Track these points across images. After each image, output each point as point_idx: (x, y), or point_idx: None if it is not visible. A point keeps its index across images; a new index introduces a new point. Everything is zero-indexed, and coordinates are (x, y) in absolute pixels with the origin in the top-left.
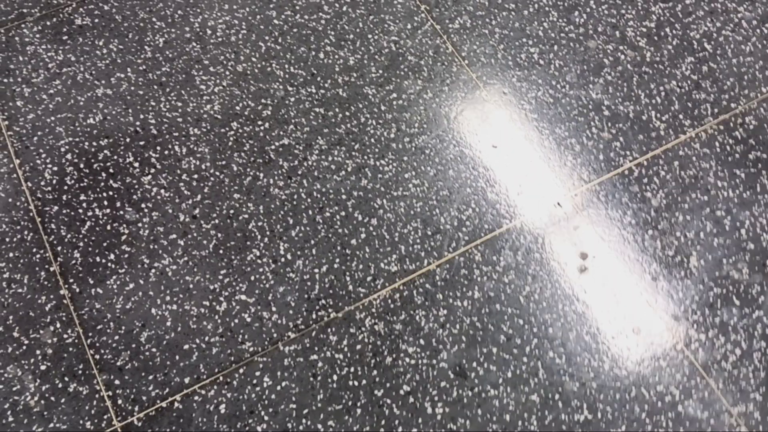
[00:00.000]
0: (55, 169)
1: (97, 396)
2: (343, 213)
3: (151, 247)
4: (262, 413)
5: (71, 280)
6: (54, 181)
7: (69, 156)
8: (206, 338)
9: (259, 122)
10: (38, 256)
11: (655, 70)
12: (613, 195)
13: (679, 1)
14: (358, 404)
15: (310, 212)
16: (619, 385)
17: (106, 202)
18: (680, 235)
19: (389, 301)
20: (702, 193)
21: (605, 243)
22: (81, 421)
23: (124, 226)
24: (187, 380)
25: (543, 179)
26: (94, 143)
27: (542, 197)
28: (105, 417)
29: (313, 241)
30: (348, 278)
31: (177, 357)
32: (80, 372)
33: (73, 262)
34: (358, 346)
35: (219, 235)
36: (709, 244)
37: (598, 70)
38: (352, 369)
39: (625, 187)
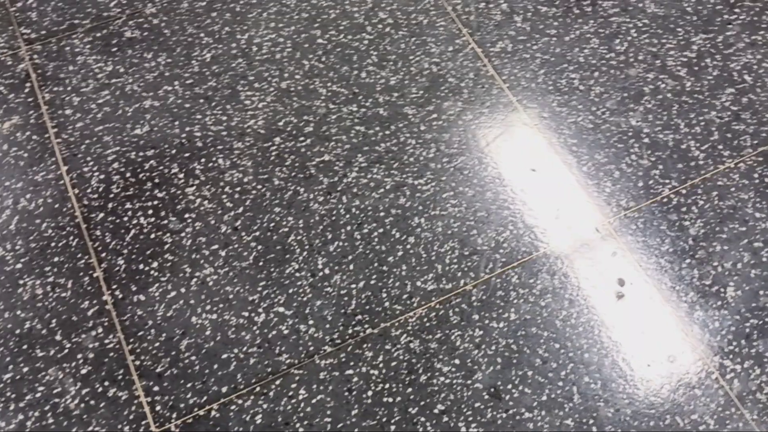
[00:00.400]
0: (102, 177)
1: (135, 401)
2: (381, 230)
3: (193, 256)
4: (297, 425)
5: (114, 287)
6: (100, 189)
7: (116, 165)
8: (244, 348)
9: (301, 138)
10: (82, 261)
11: (695, 99)
12: (651, 222)
13: (720, 33)
14: (392, 421)
15: (349, 228)
16: (654, 413)
17: (150, 211)
18: (717, 264)
19: (425, 319)
20: (740, 223)
21: (642, 270)
22: (119, 426)
23: (168, 235)
24: (224, 389)
25: (581, 204)
26: (141, 153)
27: (580, 222)
28: (143, 423)
29: (350, 257)
30: (384, 295)
31: (215, 366)
32: (120, 377)
33: (117, 268)
34: (393, 363)
35: (259, 247)
36: (747, 274)
37: (638, 98)
38: (386, 385)
39: (663, 215)
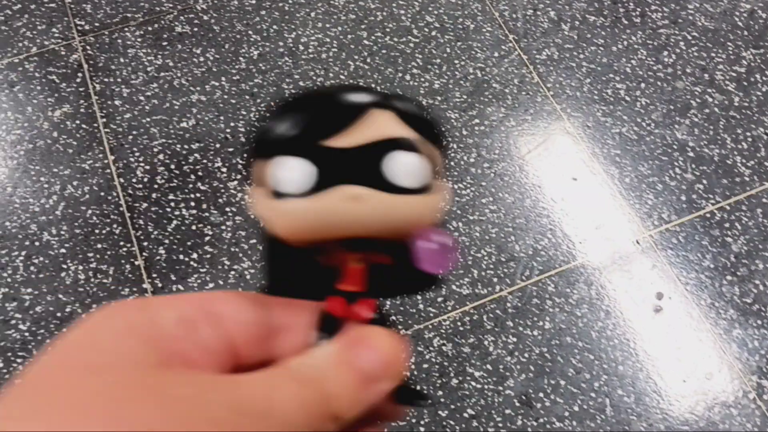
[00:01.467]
0: (147, 167)
1: None
2: None
3: (233, 249)
4: None
5: (154, 275)
6: (145, 179)
7: (161, 156)
8: None
9: None
10: (125, 249)
11: (742, 115)
12: (693, 237)
13: None
14: (422, 423)
15: None
16: (688, 430)
17: (193, 203)
18: (759, 283)
19: (459, 323)
20: None
21: (682, 285)
22: None
23: (209, 227)
24: None
25: (622, 216)
26: (186, 146)
27: (620, 233)
28: None
29: None
30: (419, 297)
31: None
32: None
33: (158, 257)
34: (425, 365)
35: None
36: None
37: (685, 111)
38: (417, 387)
39: (705, 230)
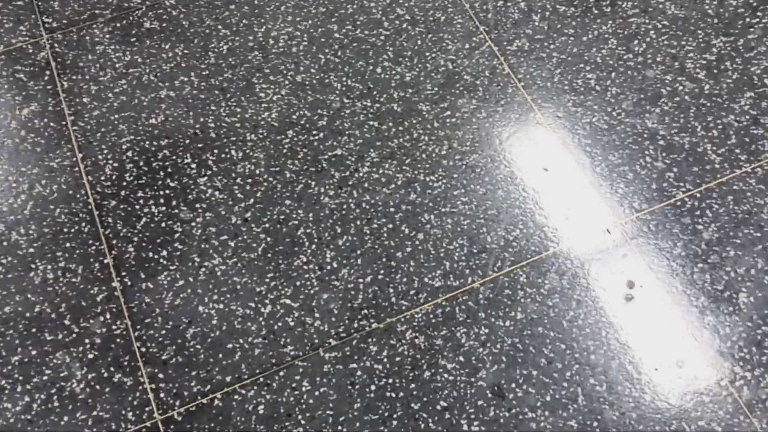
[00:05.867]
0: (116, 165)
1: (140, 388)
2: (390, 225)
3: (203, 246)
4: (299, 417)
5: (123, 274)
6: (114, 177)
7: (130, 153)
8: (249, 339)
9: (314, 132)
10: (93, 248)
11: (713, 102)
12: (664, 225)
13: (742, 36)
14: (394, 416)
15: (358, 223)
16: (660, 418)
17: (162, 200)
18: (730, 270)
19: (431, 315)
20: (755, 229)
21: (653, 273)
22: (123, 412)
23: (178, 224)
24: (228, 379)
25: (593, 205)
26: (155, 143)
27: (591, 223)
28: (146, 409)
29: (359, 251)
30: (391, 290)
31: (220, 355)
32: (126, 363)
33: (127, 255)
34: (398, 358)
35: (268, 239)
36: (760, 281)
37: (655, 100)
38: (390, 380)
39: (676, 218)
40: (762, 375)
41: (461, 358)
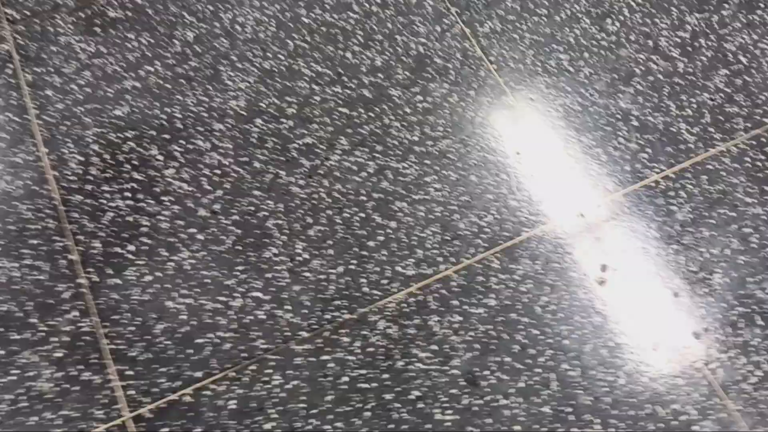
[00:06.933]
0: (81, 159)
1: (109, 386)
2: (362, 214)
3: (170, 240)
4: (271, 411)
5: (90, 270)
6: (79, 171)
7: (95, 147)
8: (219, 333)
9: (283, 120)
10: (59, 244)
11: (687, 81)
12: (638, 207)
13: (716, 12)
14: (367, 407)
15: (329, 212)
16: (634, 402)
17: (128, 194)
18: (705, 250)
19: (404, 305)
20: (729, 208)
21: (627, 256)
22: (92, 410)
23: (145, 218)
24: (198, 374)
25: (566, 188)
26: (120, 135)
27: (565, 206)
28: (116, 407)
29: (330, 242)
30: (364, 280)
31: (190, 351)
32: (94, 361)
33: (93, 251)
34: (370, 349)
35: (237, 231)
36: (734, 261)
37: (629, 80)
38: (362, 371)
39: (650, 199)
40: (737, 356)
41: (434, 347)
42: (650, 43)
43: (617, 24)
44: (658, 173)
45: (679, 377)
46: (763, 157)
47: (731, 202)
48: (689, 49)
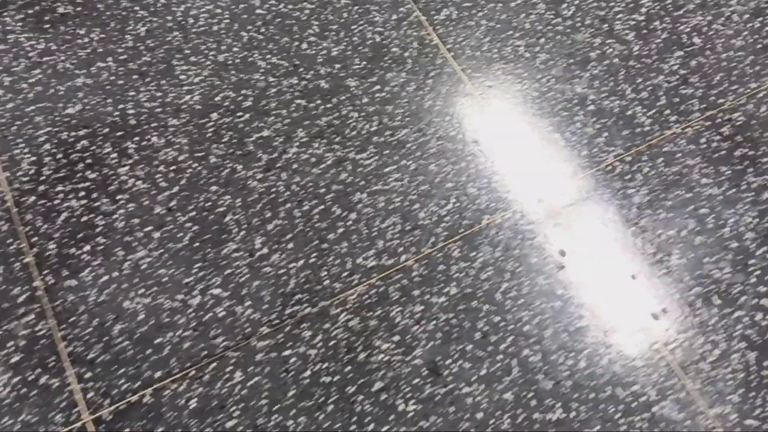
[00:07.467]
0: (33, 159)
1: (68, 389)
2: (321, 207)
3: (126, 239)
4: (233, 409)
5: (46, 272)
6: (31, 172)
7: (47, 146)
8: (178, 332)
9: (239, 113)
10: (13, 247)
11: (642, 64)
12: (596, 191)
13: None
14: (330, 401)
15: (288, 206)
16: (595, 384)
17: (82, 193)
18: (662, 232)
19: (365, 296)
20: (686, 190)
21: (586, 240)
22: (51, 414)
23: (100, 217)
24: (158, 374)
25: (525, 174)
26: (73, 133)
27: (523, 193)
28: (75, 410)
29: (290, 236)
30: (324, 273)
31: (149, 351)
32: (52, 364)
33: (48, 253)
34: (332, 342)
35: (195, 227)
36: (691, 242)
37: (585, 64)
38: (324, 365)
39: (607, 183)
40: (695, 336)
41: (396, 338)
42: (606, 26)
43: (572, 8)
44: (615, 157)
45: (638, 359)
46: (718, 138)
47: (687, 184)
48: (644, 32)
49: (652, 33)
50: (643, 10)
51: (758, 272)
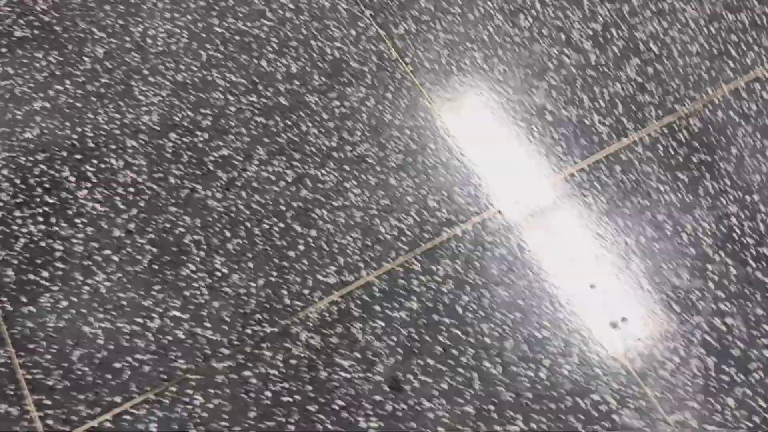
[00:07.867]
0: None
1: (27, 417)
2: (281, 225)
3: (85, 263)
4: (193, 431)
5: (4, 299)
6: None
7: (5, 171)
8: (138, 356)
9: (198, 133)
10: None
11: (599, 72)
12: (554, 202)
13: (626, 2)
14: (291, 421)
15: (248, 224)
16: (555, 395)
17: (40, 218)
18: (620, 240)
19: (326, 314)
20: (643, 197)
21: (544, 250)
22: None
23: (59, 242)
24: (117, 399)
25: (484, 186)
26: (31, 158)
27: (483, 204)
28: None
29: (250, 255)
30: (285, 291)
31: (108, 376)
32: (11, 393)
33: (6, 279)
34: (293, 361)
35: (154, 249)
36: (650, 249)
37: (542, 74)
38: (286, 385)
39: (566, 192)
40: (655, 344)
41: (357, 354)
42: (563, 36)
43: (530, 19)
44: (573, 166)
45: (597, 367)
46: (675, 144)
47: (645, 191)
48: (601, 40)
49: (609, 41)
50: (600, 18)
51: (716, 278)
